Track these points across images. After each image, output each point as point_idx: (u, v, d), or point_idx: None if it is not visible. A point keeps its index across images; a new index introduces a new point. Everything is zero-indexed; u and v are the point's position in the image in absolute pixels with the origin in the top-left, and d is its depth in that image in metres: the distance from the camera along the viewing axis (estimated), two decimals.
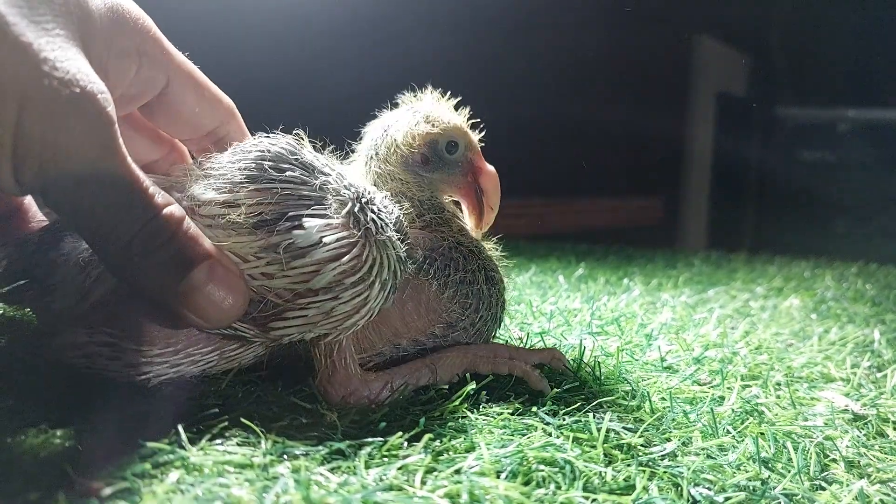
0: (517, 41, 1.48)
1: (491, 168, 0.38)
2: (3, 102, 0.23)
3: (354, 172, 0.38)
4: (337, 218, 0.31)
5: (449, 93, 0.39)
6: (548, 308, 0.58)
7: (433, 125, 0.37)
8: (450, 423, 0.31)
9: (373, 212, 0.33)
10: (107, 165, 0.26)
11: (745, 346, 0.51)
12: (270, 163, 0.31)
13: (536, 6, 1.49)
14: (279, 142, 0.33)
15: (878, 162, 1.90)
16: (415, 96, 0.39)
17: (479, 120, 0.40)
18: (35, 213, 0.36)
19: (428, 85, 0.39)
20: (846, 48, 1.95)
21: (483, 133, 0.40)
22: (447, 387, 0.36)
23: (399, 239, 0.35)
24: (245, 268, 0.30)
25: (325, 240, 0.31)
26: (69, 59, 0.25)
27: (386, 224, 0.33)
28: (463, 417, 0.32)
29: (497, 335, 0.48)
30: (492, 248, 0.41)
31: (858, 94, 1.95)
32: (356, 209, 0.32)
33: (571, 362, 0.40)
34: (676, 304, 0.65)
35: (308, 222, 0.31)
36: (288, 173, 0.31)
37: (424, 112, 0.38)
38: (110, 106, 0.26)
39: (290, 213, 0.30)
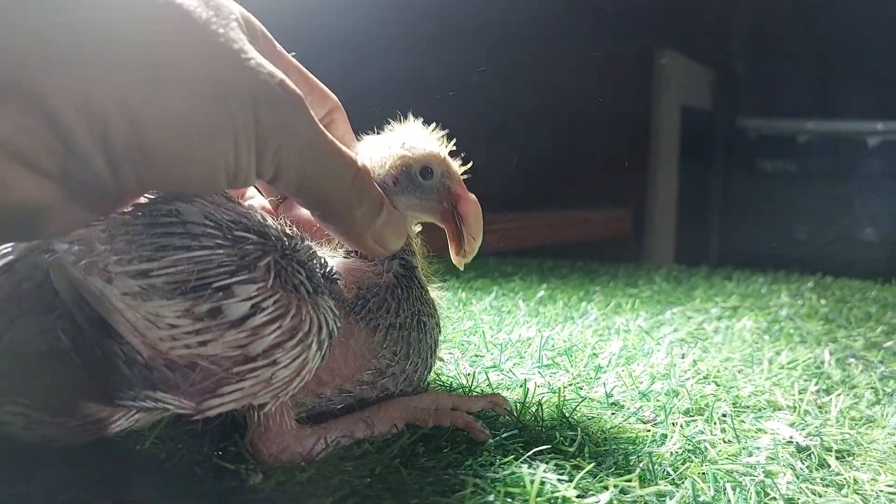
0: (482, 57, 1.48)
1: (472, 196, 0.38)
2: (243, 104, 0.28)
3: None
4: (267, 281, 0.30)
5: (423, 118, 0.39)
6: (502, 338, 0.58)
7: (409, 150, 0.37)
8: (379, 483, 0.30)
9: (300, 266, 0.32)
10: (317, 138, 0.31)
11: (694, 375, 0.51)
12: (181, 227, 0.30)
13: (500, 22, 1.50)
14: (189, 199, 0.31)
15: (835, 171, 1.96)
16: (400, 122, 0.39)
17: (455, 143, 0.39)
18: None
19: (406, 110, 0.39)
20: (805, 61, 2.01)
21: (454, 152, 0.39)
22: (382, 440, 0.35)
23: (329, 281, 0.34)
24: (171, 334, 0.28)
25: (262, 304, 0.29)
26: (259, 56, 0.30)
27: (314, 279, 0.32)
28: (394, 473, 0.31)
29: (444, 373, 0.47)
30: (432, 282, 0.40)
31: (817, 107, 2.01)
32: (284, 270, 0.31)
33: (515, 404, 0.40)
34: (631, 329, 0.65)
35: (238, 289, 0.29)
36: (203, 240, 0.30)
37: (403, 137, 0.38)
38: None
39: (215, 283, 0.29)
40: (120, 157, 0.27)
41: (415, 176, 0.37)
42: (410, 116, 0.39)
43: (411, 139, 0.38)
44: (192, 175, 0.28)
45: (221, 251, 0.30)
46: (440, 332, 0.39)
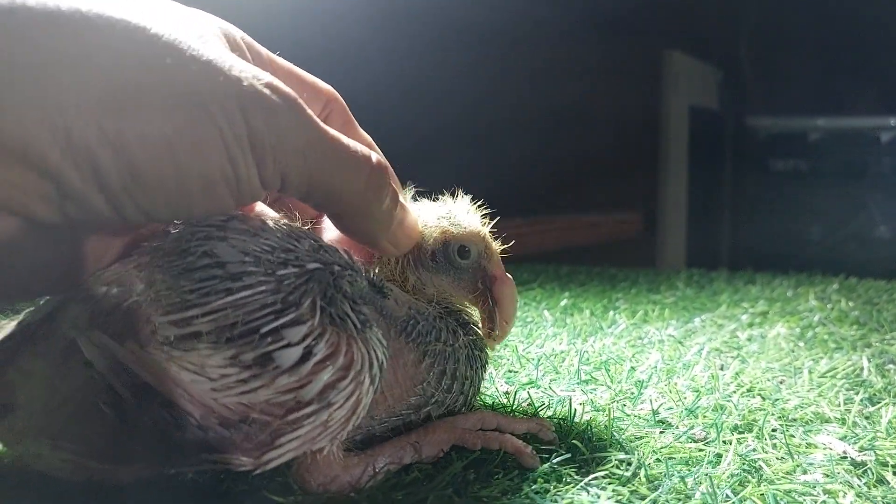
0: (490, 60, 1.48)
1: (509, 278, 0.37)
2: (228, 113, 0.27)
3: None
4: (314, 319, 0.29)
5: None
6: (534, 352, 0.57)
7: (450, 225, 0.36)
8: None
9: (345, 297, 0.30)
10: (317, 136, 0.29)
11: (738, 387, 0.49)
12: (219, 269, 0.28)
13: (508, 25, 1.49)
14: (223, 236, 0.29)
15: (847, 168, 1.94)
16: (446, 198, 0.38)
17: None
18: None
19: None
20: (814, 56, 1.99)
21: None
22: (431, 465, 0.34)
23: (380, 295, 0.33)
24: (220, 384, 0.27)
25: (314, 350, 0.28)
26: (242, 62, 0.29)
27: (361, 310, 0.31)
28: (447, 503, 0.30)
29: (481, 390, 0.46)
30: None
31: (827, 103, 1.99)
32: (330, 304, 0.30)
33: (561, 424, 0.39)
34: (664, 339, 0.64)
35: (288, 333, 0.28)
36: (244, 279, 0.28)
37: (445, 211, 0.37)
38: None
39: (263, 329, 0.28)
40: (115, 189, 0.26)
41: (452, 254, 0.36)
42: (460, 193, 0.38)
43: (454, 214, 0.37)
44: (191, 194, 0.27)
45: (264, 288, 0.28)
46: (487, 364, 0.38)
